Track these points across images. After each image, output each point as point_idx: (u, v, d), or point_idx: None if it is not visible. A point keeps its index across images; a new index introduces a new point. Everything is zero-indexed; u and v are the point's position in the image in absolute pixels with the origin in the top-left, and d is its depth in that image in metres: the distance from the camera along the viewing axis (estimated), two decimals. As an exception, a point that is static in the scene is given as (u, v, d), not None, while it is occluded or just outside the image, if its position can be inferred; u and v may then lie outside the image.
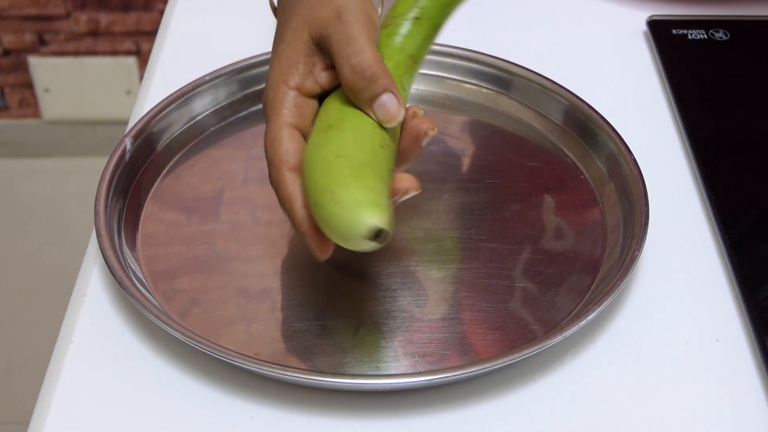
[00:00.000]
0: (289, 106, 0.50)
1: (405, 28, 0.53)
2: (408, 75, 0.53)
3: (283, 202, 0.49)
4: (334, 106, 0.50)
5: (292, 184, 0.48)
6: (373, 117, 0.50)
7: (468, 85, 0.67)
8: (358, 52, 0.49)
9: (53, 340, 0.51)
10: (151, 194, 0.59)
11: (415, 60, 0.54)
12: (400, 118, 0.50)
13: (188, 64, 0.68)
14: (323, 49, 0.50)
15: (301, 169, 0.48)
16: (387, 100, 0.49)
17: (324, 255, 0.48)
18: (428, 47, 0.55)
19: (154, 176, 0.60)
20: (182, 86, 0.63)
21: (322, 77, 0.51)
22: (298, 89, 0.50)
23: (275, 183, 0.49)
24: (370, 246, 0.44)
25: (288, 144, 0.49)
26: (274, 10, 0.58)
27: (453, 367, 0.47)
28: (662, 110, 0.67)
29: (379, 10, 0.57)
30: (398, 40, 0.53)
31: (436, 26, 0.55)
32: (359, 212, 0.44)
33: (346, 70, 0.49)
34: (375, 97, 0.49)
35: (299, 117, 0.50)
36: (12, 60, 1.72)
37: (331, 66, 0.51)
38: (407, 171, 0.51)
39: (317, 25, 0.50)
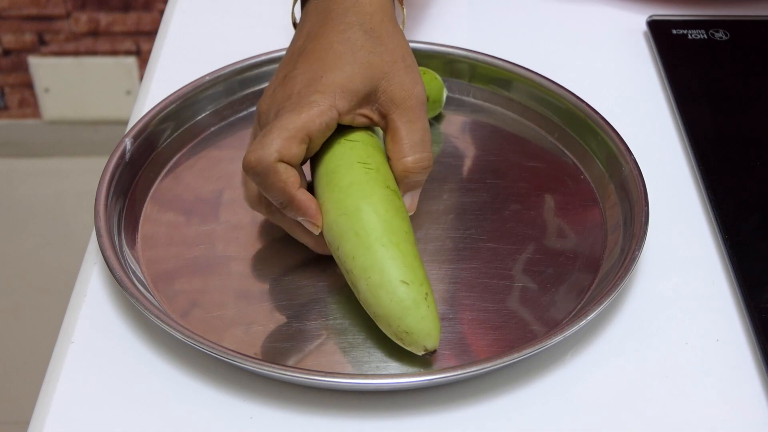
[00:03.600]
0: (328, 124, 0.50)
1: None
2: None
3: (273, 188, 0.49)
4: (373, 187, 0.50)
5: (285, 172, 0.49)
6: (404, 201, 0.52)
7: (468, 85, 0.67)
8: (421, 144, 0.51)
9: (53, 340, 0.51)
10: (150, 195, 0.59)
11: None
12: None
13: (188, 64, 0.68)
14: (372, 102, 0.52)
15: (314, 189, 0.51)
16: (418, 193, 0.53)
17: (319, 226, 0.50)
18: None
19: (154, 176, 0.60)
20: (182, 86, 0.63)
21: (359, 119, 0.52)
22: (340, 116, 0.51)
23: (264, 170, 0.48)
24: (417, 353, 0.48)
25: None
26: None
27: (453, 367, 0.47)
28: (662, 110, 0.67)
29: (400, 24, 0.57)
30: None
31: None
32: (428, 338, 0.47)
33: (410, 159, 0.51)
34: (418, 187, 0.52)
35: (323, 133, 0.50)
36: (12, 60, 1.72)
37: (373, 116, 0.52)
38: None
39: (380, 79, 0.51)
